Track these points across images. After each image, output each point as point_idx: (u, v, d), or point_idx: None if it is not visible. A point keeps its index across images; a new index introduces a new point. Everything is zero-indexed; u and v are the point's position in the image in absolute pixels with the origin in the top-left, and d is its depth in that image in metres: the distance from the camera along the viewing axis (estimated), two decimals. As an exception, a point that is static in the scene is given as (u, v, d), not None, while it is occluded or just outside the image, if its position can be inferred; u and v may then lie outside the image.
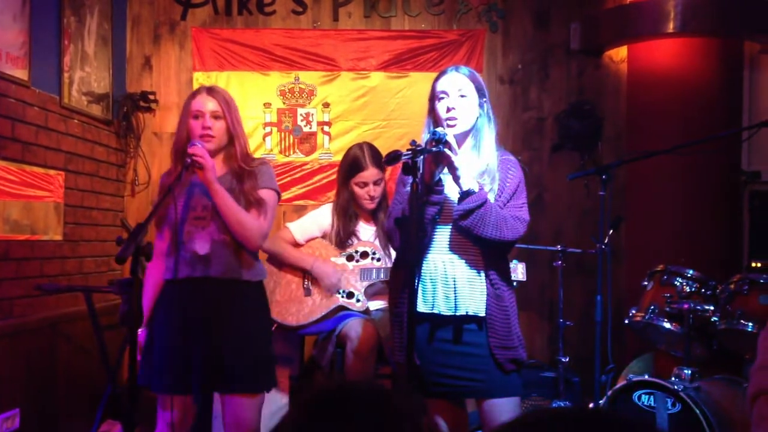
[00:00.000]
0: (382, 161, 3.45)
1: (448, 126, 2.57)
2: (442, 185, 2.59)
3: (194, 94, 2.86)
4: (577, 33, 4.95)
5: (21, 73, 3.70)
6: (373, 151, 3.67)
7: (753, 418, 1.60)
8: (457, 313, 2.59)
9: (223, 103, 2.82)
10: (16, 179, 3.61)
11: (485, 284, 2.59)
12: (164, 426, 2.82)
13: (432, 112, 2.66)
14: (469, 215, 2.48)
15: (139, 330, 2.82)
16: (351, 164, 3.64)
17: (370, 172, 3.59)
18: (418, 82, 4.89)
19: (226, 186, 2.76)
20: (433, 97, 2.65)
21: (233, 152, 2.82)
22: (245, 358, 2.77)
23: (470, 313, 2.58)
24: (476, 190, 2.50)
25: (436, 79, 2.66)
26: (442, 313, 2.60)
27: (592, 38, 4.92)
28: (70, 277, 4.09)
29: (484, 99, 2.64)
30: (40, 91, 3.88)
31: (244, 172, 2.81)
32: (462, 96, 2.59)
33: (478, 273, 2.60)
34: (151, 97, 4.88)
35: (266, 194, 2.85)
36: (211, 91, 2.85)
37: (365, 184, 3.61)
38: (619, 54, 4.93)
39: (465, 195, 2.49)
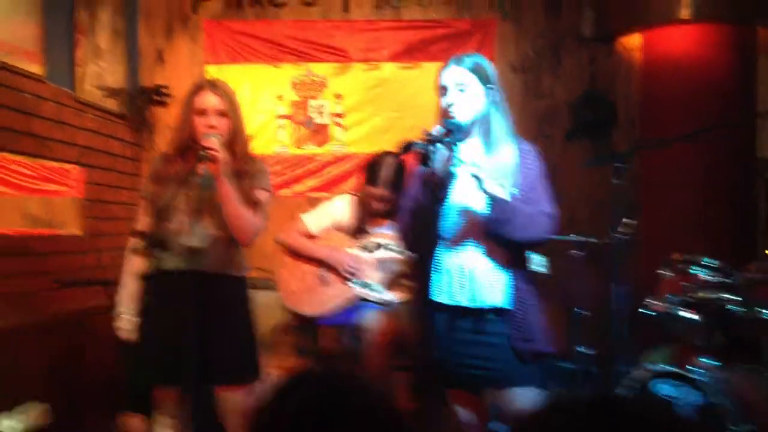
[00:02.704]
0: (397, 182, 3.48)
1: (447, 120, 2.55)
2: (455, 177, 2.58)
3: (197, 90, 2.85)
4: (589, 20, 4.94)
5: (35, 68, 3.72)
6: (393, 172, 3.60)
7: None
8: (477, 305, 2.59)
9: (226, 100, 2.82)
10: (33, 174, 3.63)
11: (505, 275, 2.59)
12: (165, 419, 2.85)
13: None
14: (494, 222, 2.48)
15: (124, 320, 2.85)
16: (369, 171, 3.66)
17: (378, 191, 3.60)
18: (431, 72, 4.82)
19: None
20: (438, 90, 2.64)
21: (234, 150, 2.82)
22: (234, 351, 2.81)
23: (490, 305, 2.58)
24: (499, 193, 2.48)
25: (440, 71, 2.65)
26: (461, 304, 2.60)
27: (604, 25, 4.90)
28: (89, 271, 4.11)
29: (492, 87, 2.61)
30: (55, 85, 3.90)
31: (244, 172, 2.82)
32: (461, 90, 2.56)
33: (498, 264, 2.59)
34: (165, 90, 4.90)
35: (262, 195, 2.87)
36: (214, 87, 2.84)
37: (372, 197, 3.63)
38: (632, 41, 4.91)
39: (489, 200, 2.47)
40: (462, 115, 2.55)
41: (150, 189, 2.87)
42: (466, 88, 2.55)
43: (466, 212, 2.59)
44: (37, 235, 3.66)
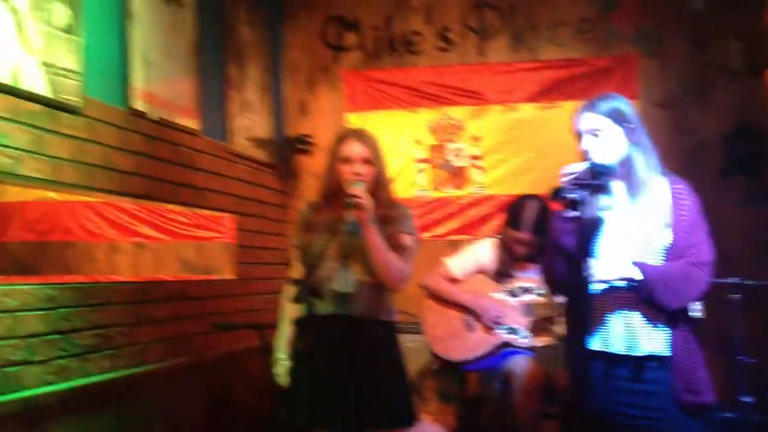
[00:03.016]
0: (540, 226, 3.43)
1: (592, 164, 2.49)
2: (603, 222, 2.52)
3: (342, 139, 2.92)
4: (737, 52, 4.74)
5: (193, 123, 3.96)
6: (539, 214, 3.58)
7: None
8: (635, 353, 2.49)
9: (370, 148, 2.88)
10: (189, 222, 3.85)
11: (664, 323, 2.48)
12: None
13: None
14: (643, 294, 2.42)
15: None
16: (512, 215, 3.65)
17: (524, 235, 3.58)
18: (570, 111, 4.75)
19: None
20: (575, 137, 2.60)
21: (379, 197, 2.86)
22: (387, 395, 2.81)
23: (649, 353, 2.48)
24: (637, 274, 2.41)
25: (574, 117, 2.60)
26: (618, 352, 2.51)
27: (754, 56, 4.68)
28: (242, 314, 4.29)
29: (631, 126, 2.51)
30: (210, 139, 4.13)
31: (389, 217, 2.85)
32: (594, 135, 2.50)
33: (656, 311, 2.49)
34: (308, 139, 5.10)
35: (408, 239, 2.89)
36: (358, 135, 2.92)
37: (516, 241, 3.61)
38: (785, 72, 4.66)
39: (629, 284, 2.43)
40: (599, 158, 2.50)
41: (300, 237, 2.96)
42: (601, 133, 2.50)
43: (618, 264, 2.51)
44: (193, 280, 3.86)
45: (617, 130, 2.50)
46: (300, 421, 2.86)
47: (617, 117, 2.50)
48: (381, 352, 2.86)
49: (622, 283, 2.43)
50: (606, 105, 2.51)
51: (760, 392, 3.97)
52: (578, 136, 2.54)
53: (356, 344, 2.80)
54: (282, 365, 2.90)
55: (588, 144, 2.50)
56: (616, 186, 2.52)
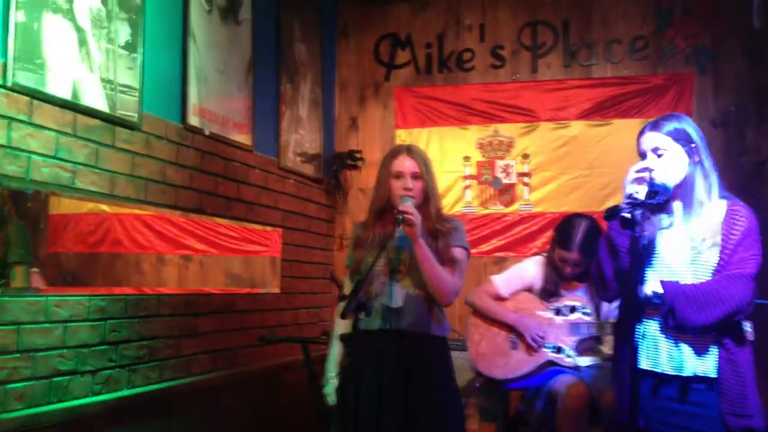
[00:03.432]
0: (591, 246, 3.39)
1: (650, 183, 2.47)
2: (657, 242, 2.50)
3: (394, 154, 2.96)
4: (797, 70, 4.62)
5: (245, 138, 4.03)
6: (588, 234, 3.56)
7: None
8: (683, 374, 2.46)
9: (421, 164, 2.91)
10: (238, 236, 3.91)
11: (715, 344, 2.43)
12: None
13: None
14: (664, 310, 2.40)
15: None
16: (561, 234, 3.63)
17: (572, 255, 3.55)
18: (622, 129, 4.78)
19: None
20: (638, 156, 2.60)
21: (428, 211, 2.89)
22: (438, 412, 2.79)
23: (698, 374, 2.44)
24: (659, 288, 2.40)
25: (637, 137, 2.60)
26: (666, 372, 2.48)
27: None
28: (286, 327, 4.34)
29: (693, 145, 2.51)
30: (261, 154, 4.20)
31: (438, 231, 2.87)
32: (659, 156, 2.50)
33: (707, 332, 2.45)
34: (357, 155, 5.16)
35: (459, 252, 2.89)
36: (410, 151, 2.95)
37: (564, 261, 3.58)
38: None
39: (653, 300, 2.43)
40: (662, 179, 2.49)
41: (351, 255, 2.99)
42: (664, 153, 2.51)
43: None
44: (239, 293, 3.91)
45: (679, 150, 2.51)
46: None
47: (679, 137, 2.51)
48: (430, 366, 2.85)
49: (656, 300, 2.43)
50: (669, 125, 2.53)
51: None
52: (641, 156, 2.57)
53: (405, 358, 2.80)
54: (332, 384, 2.91)
55: (652, 163, 2.51)
56: (674, 205, 2.53)
